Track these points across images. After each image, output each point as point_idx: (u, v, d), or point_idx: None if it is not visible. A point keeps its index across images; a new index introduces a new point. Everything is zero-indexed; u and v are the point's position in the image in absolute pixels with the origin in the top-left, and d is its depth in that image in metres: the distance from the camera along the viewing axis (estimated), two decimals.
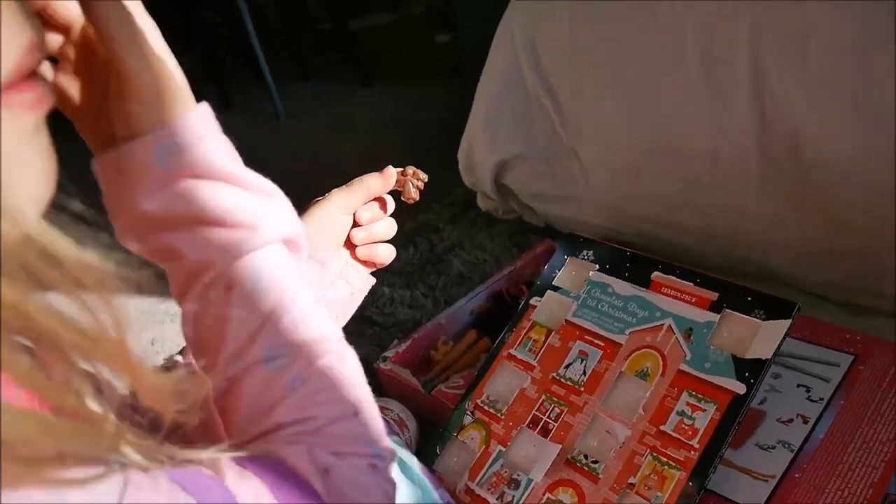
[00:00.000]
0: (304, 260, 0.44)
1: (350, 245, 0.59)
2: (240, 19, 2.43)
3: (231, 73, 2.88)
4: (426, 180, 0.61)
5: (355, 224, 0.58)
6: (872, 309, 0.96)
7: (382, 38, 3.35)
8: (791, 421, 0.77)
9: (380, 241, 0.60)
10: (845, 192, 0.90)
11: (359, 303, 0.60)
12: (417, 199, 0.61)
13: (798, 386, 0.81)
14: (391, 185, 0.59)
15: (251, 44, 2.45)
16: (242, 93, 2.79)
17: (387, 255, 0.59)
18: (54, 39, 0.37)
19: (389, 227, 0.60)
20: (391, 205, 0.60)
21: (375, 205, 0.59)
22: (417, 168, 0.62)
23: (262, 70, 2.45)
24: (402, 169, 0.60)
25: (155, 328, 1.37)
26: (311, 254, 0.53)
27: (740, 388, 0.69)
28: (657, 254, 1.11)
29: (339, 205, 0.57)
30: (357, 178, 0.58)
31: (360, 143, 2.12)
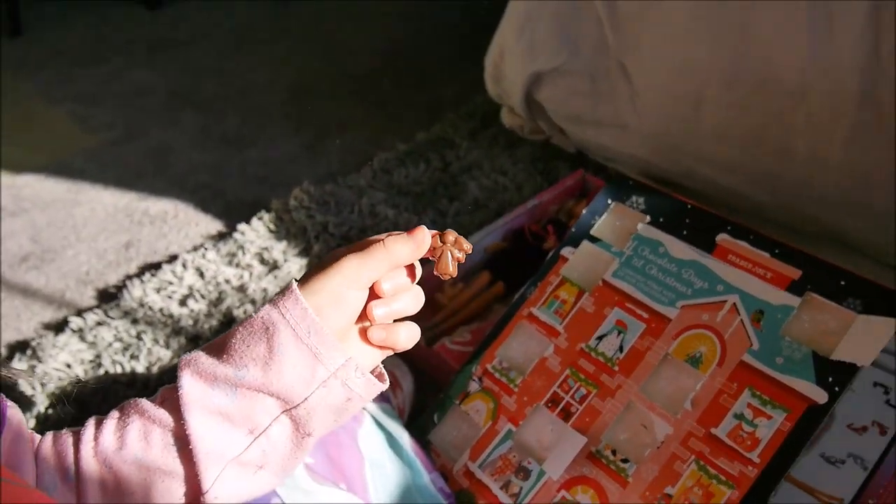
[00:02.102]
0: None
1: (362, 324, 0.43)
2: None
3: None
4: (470, 251, 0.43)
5: (372, 296, 0.42)
6: None
7: None
8: (865, 429, 0.63)
9: (402, 319, 0.44)
10: None
11: (355, 412, 0.44)
12: (456, 274, 0.43)
13: (875, 385, 0.67)
14: (422, 252, 0.42)
15: None
16: None
17: (408, 338, 0.43)
18: None
19: (415, 300, 0.43)
20: (419, 271, 0.43)
21: (401, 272, 0.42)
22: (458, 219, 0.46)
23: None
24: (438, 232, 0.43)
25: (132, 230, 1.22)
26: (302, 338, 0.39)
27: (820, 397, 0.55)
28: (707, 200, 0.95)
29: (350, 277, 0.40)
30: (376, 240, 0.42)
31: (374, 33, 1.90)
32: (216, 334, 0.93)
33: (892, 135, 0.77)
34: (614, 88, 1.00)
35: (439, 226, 1.07)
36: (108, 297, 1.07)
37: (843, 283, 0.58)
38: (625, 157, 1.06)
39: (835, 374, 0.55)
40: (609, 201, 0.73)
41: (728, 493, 0.55)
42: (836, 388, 0.55)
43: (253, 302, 0.96)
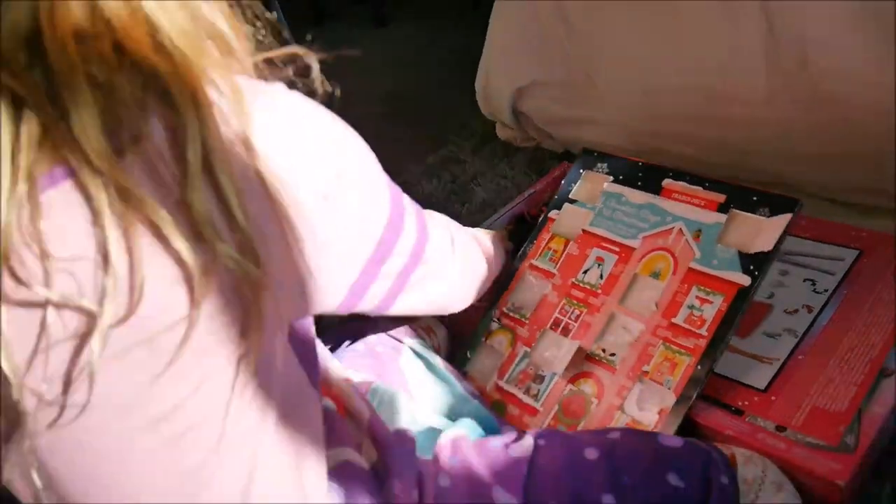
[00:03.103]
0: None
1: None
2: None
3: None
4: None
5: None
6: (881, 209, 0.99)
7: None
8: (797, 311, 0.82)
9: None
10: (854, 98, 0.93)
11: None
12: None
13: (804, 280, 0.86)
14: None
15: None
16: None
17: None
18: None
19: None
20: None
21: None
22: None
23: (276, 13, 2.47)
24: None
25: None
26: None
27: (745, 280, 0.74)
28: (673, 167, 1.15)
29: None
30: None
31: (377, 84, 2.15)
32: None
33: (800, 94, 0.97)
34: (583, 93, 1.22)
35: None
36: None
37: (755, 198, 0.78)
38: (601, 146, 1.26)
39: (754, 263, 0.75)
40: (581, 171, 0.94)
41: (687, 360, 0.74)
42: (756, 273, 0.74)
43: None
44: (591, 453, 0.62)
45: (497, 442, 0.65)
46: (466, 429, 0.70)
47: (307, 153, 0.47)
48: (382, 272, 0.57)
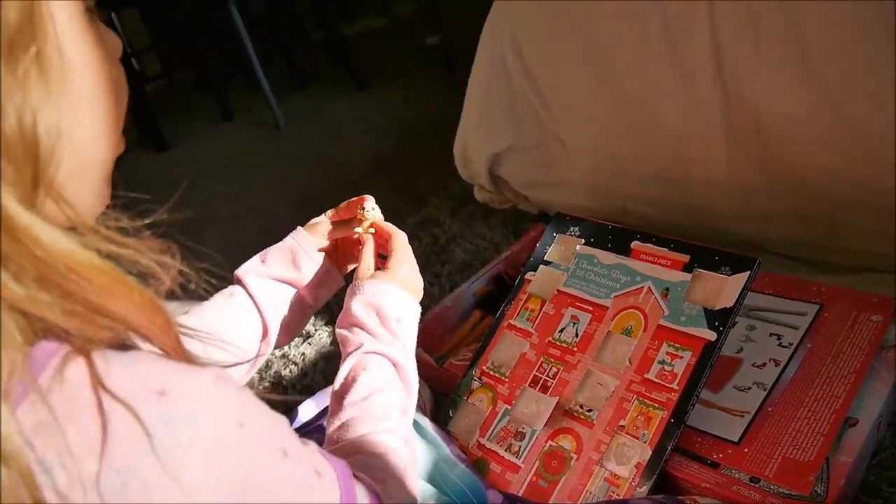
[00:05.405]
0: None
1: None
2: (236, 33, 2.53)
3: (230, 85, 2.99)
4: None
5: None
6: (838, 265, 1.04)
7: (374, 42, 3.45)
8: (764, 365, 0.86)
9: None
10: (809, 161, 0.99)
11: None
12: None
13: (770, 335, 0.90)
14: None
15: (248, 56, 2.55)
16: (242, 104, 2.89)
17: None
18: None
19: None
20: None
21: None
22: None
23: (259, 81, 2.55)
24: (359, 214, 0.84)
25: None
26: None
27: (711, 336, 0.78)
28: (641, 228, 1.20)
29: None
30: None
31: (359, 145, 2.22)
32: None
33: (757, 158, 1.03)
34: (555, 155, 1.28)
35: (437, 287, 1.32)
36: None
37: (716, 258, 0.83)
38: (574, 208, 1.31)
39: (718, 319, 0.79)
40: (554, 234, 0.98)
41: (660, 414, 0.77)
42: (720, 328, 0.78)
43: (295, 364, 1.19)
44: None
45: None
46: None
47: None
48: None
